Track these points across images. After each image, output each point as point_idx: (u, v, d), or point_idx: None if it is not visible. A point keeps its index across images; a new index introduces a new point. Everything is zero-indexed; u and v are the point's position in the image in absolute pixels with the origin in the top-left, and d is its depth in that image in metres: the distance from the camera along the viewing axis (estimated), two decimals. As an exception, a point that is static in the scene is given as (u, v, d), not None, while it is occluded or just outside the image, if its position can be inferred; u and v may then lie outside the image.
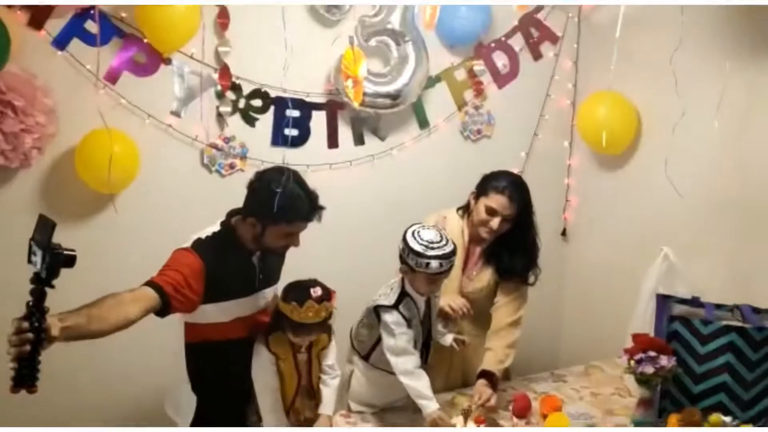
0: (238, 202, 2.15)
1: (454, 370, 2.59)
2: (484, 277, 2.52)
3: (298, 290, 2.07)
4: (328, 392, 2.23)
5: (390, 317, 2.21)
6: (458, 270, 2.51)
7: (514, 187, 2.40)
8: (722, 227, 2.70)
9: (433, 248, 2.13)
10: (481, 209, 2.41)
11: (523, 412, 2.35)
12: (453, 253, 2.16)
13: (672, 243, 2.50)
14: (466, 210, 2.54)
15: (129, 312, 1.84)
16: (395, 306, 2.22)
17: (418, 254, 2.13)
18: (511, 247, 2.47)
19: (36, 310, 1.49)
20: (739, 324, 2.18)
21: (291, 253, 2.39)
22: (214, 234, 2.15)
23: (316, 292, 2.05)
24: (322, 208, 2.11)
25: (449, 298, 2.45)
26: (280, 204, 2.00)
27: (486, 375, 2.35)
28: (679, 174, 2.63)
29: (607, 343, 3.13)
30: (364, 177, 3.08)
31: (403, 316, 2.21)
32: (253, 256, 2.18)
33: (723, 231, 2.69)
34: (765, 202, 2.57)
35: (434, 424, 2.11)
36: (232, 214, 2.18)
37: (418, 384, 2.18)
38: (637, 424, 2.19)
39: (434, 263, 2.13)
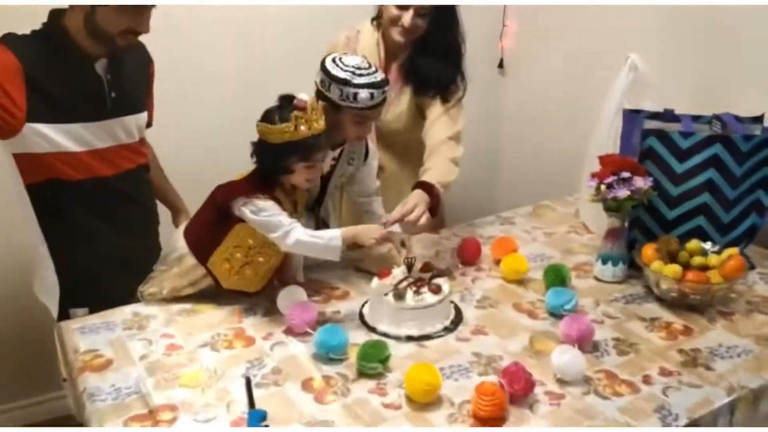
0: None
1: None
2: (405, 98, 2.10)
3: (280, 108, 1.60)
4: None
5: None
6: None
7: None
8: (692, 32, 2.31)
9: (361, 74, 1.69)
10: (391, 6, 1.97)
11: (471, 258, 2.00)
12: (385, 83, 1.73)
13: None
14: (379, 16, 2.09)
15: None
16: None
17: (343, 82, 1.69)
18: (431, 54, 2.04)
19: None
20: (725, 134, 1.85)
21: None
22: (34, 32, 1.64)
23: (304, 96, 1.59)
24: None
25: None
26: None
27: (423, 186, 1.90)
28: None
29: (551, 183, 2.83)
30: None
31: None
32: (97, 63, 1.67)
33: (692, 36, 2.31)
34: None
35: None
36: (57, 13, 1.66)
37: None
38: (606, 259, 1.88)
39: (364, 93, 1.69)
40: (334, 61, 1.72)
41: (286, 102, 1.60)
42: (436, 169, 1.92)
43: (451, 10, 2.02)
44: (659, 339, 1.63)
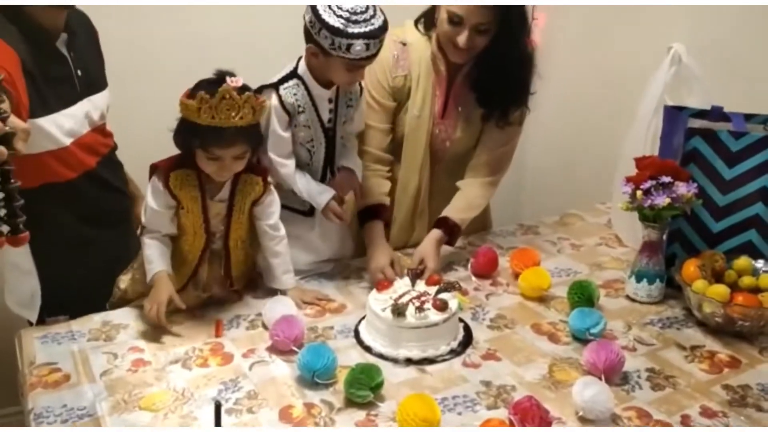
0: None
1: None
2: (477, 114, 1.83)
3: (208, 83, 1.41)
4: (281, 263, 1.64)
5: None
6: (429, 113, 1.81)
7: None
8: (743, 20, 2.05)
9: (356, 21, 1.47)
10: (443, 17, 1.67)
11: (486, 270, 1.78)
12: (382, 30, 1.51)
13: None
14: (430, 21, 1.77)
15: None
16: (275, 85, 1.60)
17: (335, 32, 1.47)
18: (493, 72, 1.74)
19: None
20: (782, 135, 1.61)
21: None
22: None
23: (236, 81, 1.40)
24: None
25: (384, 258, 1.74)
26: None
27: (444, 225, 1.79)
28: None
29: (581, 190, 2.60)
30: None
31: (281, 102, 1.60)
32: (58, 42, 1.52)
33: (743, 25, 2.05)
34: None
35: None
36: None
37: (302, 181, 1.67)
38: (641, 276, 1.65)
39: (359, 45, 1.48)
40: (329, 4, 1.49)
41: (217, 79, 1.42)
42: (466, 199, 1.85)
43: (515, 16, 1.66)
44: (701, 372, 1.40)
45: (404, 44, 1.80)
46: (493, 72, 1.74)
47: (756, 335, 1.50)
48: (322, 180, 1.73)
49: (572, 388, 1.28)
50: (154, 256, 1.51)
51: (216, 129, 1.39)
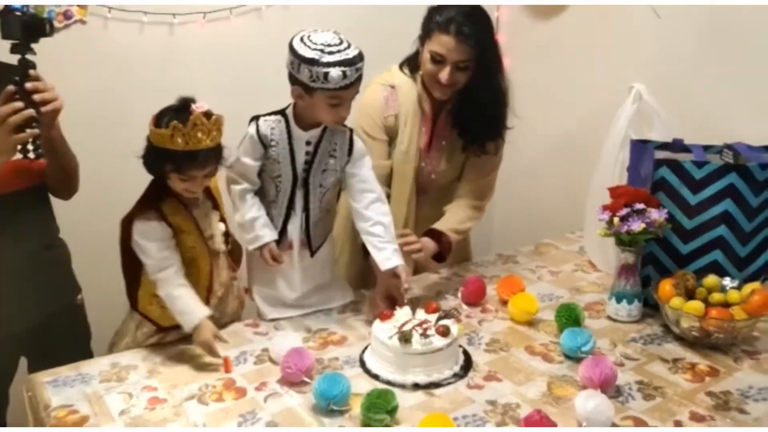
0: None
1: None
2: (459, 145, 1.99)
3: (174, 111, 1.50)
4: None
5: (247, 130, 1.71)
6: (415, 149, 1.95)
7: (465, 20, 1.77)
8: (701, 62, 2.24)
9: (331, 52, 1.57)
10: (427, 57, 1.83)
11: (475, 298, 1.88)
12: (359, 58, 1.60)
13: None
14: (414, 64, 1.93)
15: None
16: (257, 116, 1.71)
17: (311, 62, 1.56)
18: (472, 108, 1.91)
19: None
20: (740, 162, 1.77)
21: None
22: None
23: (201, 107, 1.49)
24: None
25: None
26: None
27: (434, 234, 1.93)
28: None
29: (548, 221, 2.74)
30: (248, 31, 2.42)
31: (257, 131, 1.69)
32: None
33: (697, 65, 2.25)
34: (754, 27, 2.10)
35: None
36: None
37: (252, 210, 1.72)
38: (620, 297, 1.77)
39: (335, 72, 1.56)
40: (302, 40, 1.59)
41: (183, 106, 1.51)
42: (454, 216, 1.98)
43: (492, 55, 1.85)
44: (685, 381, 1.51)
45: (393, 87, 1.94)
46: (472, 107, 1.90)
47: (729, 346, 1.63)
48: (285, 220, 1.74)
49: (572, 402, 1.38)
50: (186, 306, 1.57)
51: (190, 153, 1.48)
